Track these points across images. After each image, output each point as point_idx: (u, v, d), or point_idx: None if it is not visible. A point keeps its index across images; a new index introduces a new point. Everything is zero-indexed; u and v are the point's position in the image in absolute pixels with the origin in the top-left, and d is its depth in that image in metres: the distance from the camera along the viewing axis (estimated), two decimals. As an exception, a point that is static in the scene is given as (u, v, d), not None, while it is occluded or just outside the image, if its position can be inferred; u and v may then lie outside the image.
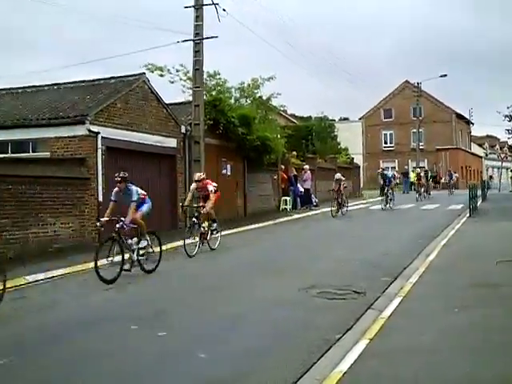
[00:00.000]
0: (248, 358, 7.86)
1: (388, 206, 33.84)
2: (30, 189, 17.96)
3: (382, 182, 35.96)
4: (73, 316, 10.65)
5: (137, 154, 23.11)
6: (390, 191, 34.53)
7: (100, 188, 20.74)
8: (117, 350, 8.41)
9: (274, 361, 7.69)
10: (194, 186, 18.53)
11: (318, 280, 12.93)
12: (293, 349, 8.17)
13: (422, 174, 45.32)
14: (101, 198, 20.44)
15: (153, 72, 28.40)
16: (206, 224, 18.34)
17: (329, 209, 29.75)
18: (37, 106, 23.17)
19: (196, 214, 18.06)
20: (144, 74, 25.14)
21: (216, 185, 19.06)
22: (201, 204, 18.45)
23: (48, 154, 20.94)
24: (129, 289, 13.16)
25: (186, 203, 18.41)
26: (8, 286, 13.13)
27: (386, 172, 37.67)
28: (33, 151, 21.53)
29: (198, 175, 18.68)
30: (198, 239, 17.93)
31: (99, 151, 20.93)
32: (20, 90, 26.10)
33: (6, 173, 17.37)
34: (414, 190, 46.28)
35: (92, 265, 13.51)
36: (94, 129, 20.85)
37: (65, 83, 25.54)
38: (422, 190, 44.01)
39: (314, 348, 8.12)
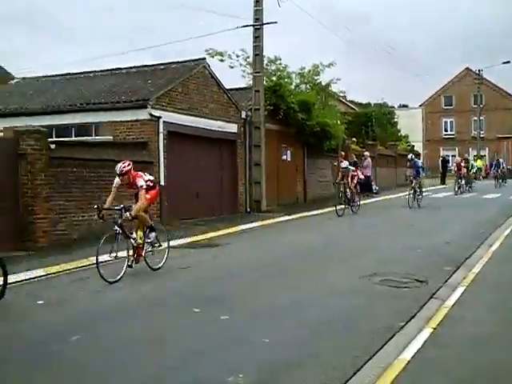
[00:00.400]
0: (311, 343, 7.80)
1: (416, 203, 27.67)
2: (94, 172, 18.18)
3: (408, 173, 29.49)
4: (134, 297, 10.78)
5: (197, 138, 23.23)
6: (418, 185, 28.26)
7: (162, 172, 20.95)
8: (181, 331, 8.47)
9: (336, 347, 7.61)
10: (116, 180, 12.86)
11: (380, 268, 12.78)
12: (355, 335, 8.09)
13: (463, 164, 39.32)
14: (163, 182, 20.62)
15: (213, 57, 28.52)
16: (138, 234, 12.92)
17: (389, 196, 28.95)
18: (99, 90, 23.46)
19: (119, 221, 12.40)
20: (204, 59, 25.22)
21: (151, 178, 13.83)
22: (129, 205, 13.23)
23: (111, 137, 21.21)
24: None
25: (106, 205, 12.70)
26: (72, 266, 13.53)
27: (416, 160, 29.89)
28: (95, 135, 21.80)
29: (119, 166, 12.63)
30: (126, 255, 12.58)
31: (161, 135, 21.14)
32: (83, 75, 26.48)
33: (71, 156, 17.60)
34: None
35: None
36: (156, 113, 21.04)
37: (126, 68, 25.84)
38: (463, 181, 38.67)
39: (377, 335, 8.01)
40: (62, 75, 27.21)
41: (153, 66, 25.34)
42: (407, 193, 28.23)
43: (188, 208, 22.15)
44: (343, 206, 24.96)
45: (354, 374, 6.65)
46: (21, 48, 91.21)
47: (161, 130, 21.12)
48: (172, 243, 16.12)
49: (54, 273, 13.07)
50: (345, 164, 26.18)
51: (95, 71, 26.46)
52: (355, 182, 26.06)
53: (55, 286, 12.07)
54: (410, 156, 30.00)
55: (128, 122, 21.18)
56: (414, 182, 28.13)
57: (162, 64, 25.21)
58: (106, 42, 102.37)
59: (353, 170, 26.34)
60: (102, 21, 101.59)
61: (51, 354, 7.57)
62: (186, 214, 21.98)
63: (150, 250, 13.16)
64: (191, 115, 23.02)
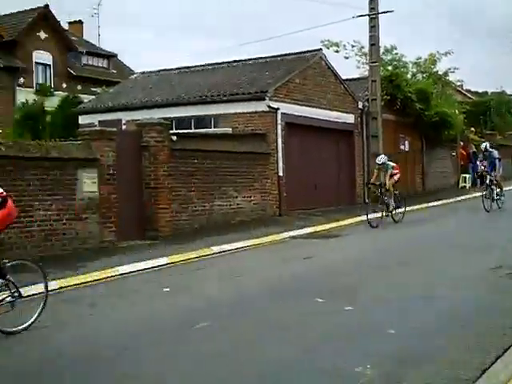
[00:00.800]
0: (438, 336, 7.51)
1: (496, 204, 21.71)
2: (213, 163, 18.48)
3: (480, 167, 23.35)
4: (258, 286, 10.83)
5: (315, 129, 23.19)
6: (495, 181, 21.93)
7: (281, 163, 21.04)
8: (306, 321, 8.42)
9: (464, 341, 7.28)
10: None
11: (507, 260, 12.31)
12: (484, 330, 7.72)
13: None
14: (281, 173, 20.72)
15: (328, 48, 28.46)
16: None
17: (506, 188, 23.87)
18: (217, 82, 23.76)
19: None
20: (321, 49, 25.22)
21: None
22: None
23: (229, 129, 21.46)
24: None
25: None
26: (194, 255, 13.75)
27: (491, 150, 22.88)
28: (214, 127, 22.12)
29: None
30: None
31: (279, 127, 21.22)
32: (201, 68, 26.86)
33: (191, 147, 17.92)
34: None
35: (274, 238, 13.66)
36: (274, 105, 21.12)
37: (243, 60, 26.09)
38: None
39: (508, 330, 7.62)
40: (180, 69, 27.71)
41: (269, 57, 25.41)
42: (481, 193, 22.18)
43: (305, 199, 22.16)
44: (380, 215, 19.21)
45: (484, 371, 6.30)
46: (138, 44, 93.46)
47: (279, 121, 21.22)
48: (292, 233, 16.10)
49: (176, 261, 13.36)
50: (382, 159, 19.93)
51: (211, 64, 26.80)
52: (395, 179, 19.94)
53: (179, 273, 12.33)
54: (483, 145, 23.28)
55: (246, 113, 21.40)
56: (489, 178, 21.91)
57: (278, 56, 25.27)
58: (216, 36, 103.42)
59: (393, 167, 20.11)
60: (210, 13, 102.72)
61: (178, 339, 7.72)
62: (304, 204, 22.01)
63: (8, 301, 8.24)
64: (308, 106, 23.00)
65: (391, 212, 19.63)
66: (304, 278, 11.57)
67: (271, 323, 8.29)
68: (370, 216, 18.62)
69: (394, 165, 20.29)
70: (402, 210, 20.12)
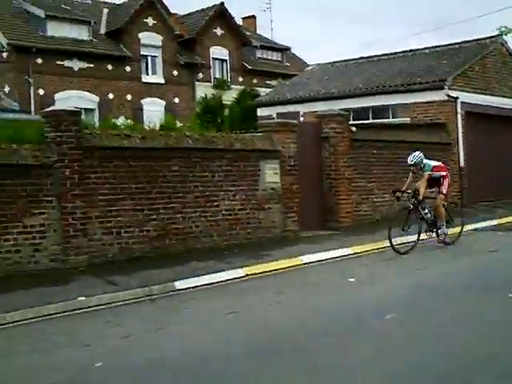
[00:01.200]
0: None
1: None
2: (393, 153, 18.24)
3: None
4: (441, 279, 10.59)
5: (496, 118, 22.50)
6: None
7: (461, 153, 20.58)
8: (487, 317, 8.07)
9: None
10: None
11: None
12: None
13: None
14: (462, 164, 20.25)
15: (506, 35, 27.60)
16: None
17: None
18: (394, 72, 23.60)
19: None
20: (500, 35, 24.40)
21: None
22: None
23: (408, 119, 21.22)
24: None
25: None
26: (377, 247, 13.70)
27: None
28: (392, 117, 21.96)
29: None
30: None
31: (459, 116, 20.80)
32: (376, 58, 26.71)
33: (371, 138, 17.90)
34: None
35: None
36: (453, 94, 20.71)
37: (419, 49, 25.70)
38: None
39: None
40: (355, 59, 27.67)
41: (445, 46, 24.87)
42: None
43: (487, 190, 21.54)
44: (414, 238, 13.68)
45: None
46: (313, 35, 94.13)
47: (458, 110, 20.80)
48: (475, 226, 15.47)
49: (359, 252, 13.41)
50: (414, 158, 13.74)
51: (387, 54, 26.61)
52: (444, 192, 14.03)
53: (362, 265, 12.32)
54: None
55: (424, 103, 21.11)
56: None
57: (455, 43, 24.67)
58: (388, 25, 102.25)
59: (434, 168, 14.01)
60: (385, 3, 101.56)
61: (370, 328, 7.73)
62: (486, 196, 21.43)
63: None
64: (488, 94, 22.38)
65: (436, 231, 14.13)
66: (491, 271, 11.24)
67: (456, 318, 8.03)
68: (398, 239, 13.39)
69: (437, 164, 14.30)
70: (459, 228, 14.63)
